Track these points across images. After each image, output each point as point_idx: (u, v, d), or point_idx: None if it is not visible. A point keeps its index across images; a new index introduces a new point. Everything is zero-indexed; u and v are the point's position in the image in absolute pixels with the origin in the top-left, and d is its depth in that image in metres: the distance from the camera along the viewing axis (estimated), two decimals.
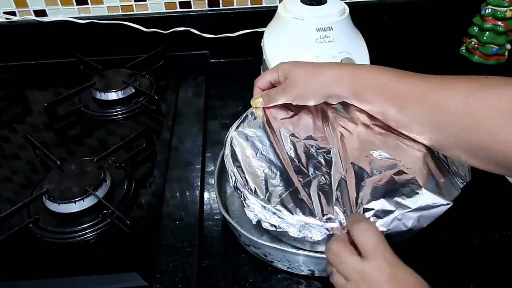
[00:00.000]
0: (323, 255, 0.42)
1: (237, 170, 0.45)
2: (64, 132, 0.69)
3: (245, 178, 0.44)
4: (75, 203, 0.51)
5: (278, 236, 0.47)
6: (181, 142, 0.65)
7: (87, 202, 0.51)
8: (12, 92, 0.77)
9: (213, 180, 0.56)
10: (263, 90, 0.53)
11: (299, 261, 0.45)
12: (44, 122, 0.70)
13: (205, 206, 0.55)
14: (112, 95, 0.73)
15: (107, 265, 0.47)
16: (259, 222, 0.42)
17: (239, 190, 0.44)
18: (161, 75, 0.81)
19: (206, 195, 0.57)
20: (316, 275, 0.46)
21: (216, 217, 0.54)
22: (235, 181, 0.45)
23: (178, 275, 0.45)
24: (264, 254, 0.47)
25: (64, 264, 0.47)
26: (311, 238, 0.40)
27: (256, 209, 0.42)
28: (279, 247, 0.43)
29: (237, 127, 0.51)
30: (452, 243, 0.50)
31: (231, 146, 0.48)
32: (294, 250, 0.43)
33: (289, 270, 0.46)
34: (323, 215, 0.40)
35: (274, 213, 0.41)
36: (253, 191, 0.43)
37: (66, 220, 0.51)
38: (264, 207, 0.41)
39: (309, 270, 0.45)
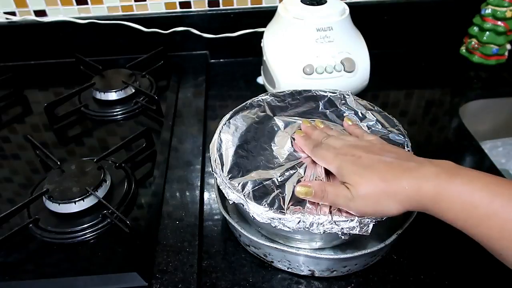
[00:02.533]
0: (323, 255, 0.43)
1: (218, 158, 0.47)
2: (64, 132, 0.69)
3: (223, 166, 0.46)
4: (75, 203, 0.51)
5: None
6: (181, 142, 0.65)
7: (87, 202, 0.51)
8: (12, 92, 0.77)
9: (213, 180, 0.57)
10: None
11: (299, 261, 0.45)
12: (44, 122, 0.70)
13: (205, 206, 0.55)
14: (112, 95, 0.73)
15: (107, 265, 0.47)
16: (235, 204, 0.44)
17: (216, 175, 0.45)
18: (161, 75, 0.81)
19: (206, 195, 0.57)
20: (316, 275, 0.46)
21: (216, 217, 0.54)
22: (214, 168, 0.46)
23: (178, 275, 0.45)
24: (264, 254, 0.47)
25: (64, 264, 0.47)
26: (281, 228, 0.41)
27: (230, 194, 0.43)
28: (279, 247, 0.43)
29: (230, 118, 0.53)
30: (452, 243, 0.50)
31: (219, 135, 0.50)
32: (294, 250, 0.43)
33: (289, 270, 0.46)
34: (289, 209, 0.41)
35: (246, 203, 0.42)
36: (228, 178, 0.44)
37: (66, 220, 0.51)
38: (237, 195, 0.43)
39: (309, 270, 0.45)
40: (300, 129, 0.50)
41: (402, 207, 0.37)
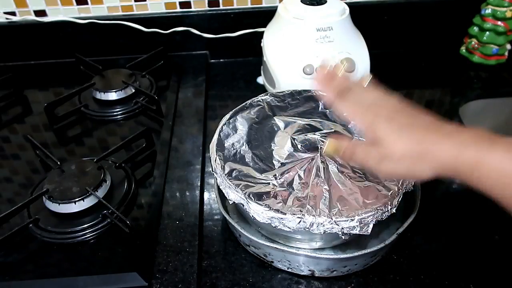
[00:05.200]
0: (323, 255, 0.43)
1: (218, 158, 0.47)
2: (64, 132, 0.69)
3: (224, 166, 0.46)
4: (75, 203, 0.51)
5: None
6: (181, 142, 0.65)
7: (87, 202, 0.52)
8: (12, 92, 0.77)
9: (213, 180, 0.57)
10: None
11: (299, 261, 0.45)
12: (44, 122, 0.70)
13: (205, 206, 0.55)
14: (112, 95, 0.73)
15: (107, 265, 0.47)
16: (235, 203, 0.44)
17: (216, 175, 0.46)
18: (161, 75, 0.81)
19: (206, 195, 0.57)
20: (316, 275, 0.46)
21: (216, 217, 0.54)
22: (214, 167, 0.46)
23: (178, 275, 0.45)
24: (264, 254, 0.47)
25: (64, 264, 0.47)
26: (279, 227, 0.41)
27: (230, 194, 0.43)
28: (279, 247, 0.43)
29: (230, 118, 0.53)
30: (452, 243, 0.50)
31: (219, 135, 0.50)
32: (294, 250, 0.43)
33: (289, 270, 0.46)
34: (289, 209, 0.41)
35: (246, 203, 0.42)
36: (228, 178, 0.44)
37: (66, 220, 0.51)
38: (237, 194, 0.43)
39: (309, 270, 0.45)
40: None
41: (435, 172, 0.35)
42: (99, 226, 0.51)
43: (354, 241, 0.47)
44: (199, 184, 0.57)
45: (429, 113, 0.40)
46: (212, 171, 0.46)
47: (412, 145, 0.35)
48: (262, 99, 0.56)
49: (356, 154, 0.38)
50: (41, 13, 0.83)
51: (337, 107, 0.41)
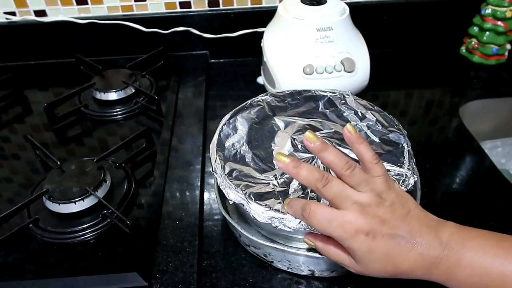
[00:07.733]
0: (323, 255, 0.43)
1: (218, 158, 0.47)
2: (64, 132, 0.69)
3: (224, 166, 0.46)
4: (75, 203, 0.51)
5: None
6: (181, 142, 0.65)
7: (87, 202, 0.52)
8: (12, 92, 0.77)
9: (213, 180, 0.57)
10: None
11: (299, 261, 0.45)
12: (44, 122, 0.70)
13: (205, 206, 0.55)
14: (112, 95, 0.73)
15: (107, 265, 0.47)
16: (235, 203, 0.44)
17: (216, 175, 0.46)
18: (161, 75, 0.81)
19: (206, 195, 0.57)
20: (316, 275, 0.46)
21: (216, 217, 0.54)
22: (214, 168, 0.46)
23: (178, 275, 0.45)
24: (264, 254, 0.47)
25: (64, 264, 0.47)
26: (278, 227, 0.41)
27: (230, 194, 0.43)
28: (279, 247, 0.43)
29: (230, 118, 0.53)
30: None
31: (219, 135, 0.50)
32: (294, 250, 0.43)
33: (289, 270, 0.46)
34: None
35: (247, 203, 0.42)
36: (228, 178, 0.44)
37: (66, 220, 0.51)
38: (237, 194, 0.43)
39: (309, 270, 0.45)
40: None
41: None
42: (99, 226, 0.51)
43: None
44: (199, 184, 0.57)
45: (414, 212, 0.38)
46: (212, 171, 0.46)
47: (385, 274, 0.38)
48: (262, 99, 0.56)
49: (331, 257, 0.39)
50: (41, 13, 0.83)
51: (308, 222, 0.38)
